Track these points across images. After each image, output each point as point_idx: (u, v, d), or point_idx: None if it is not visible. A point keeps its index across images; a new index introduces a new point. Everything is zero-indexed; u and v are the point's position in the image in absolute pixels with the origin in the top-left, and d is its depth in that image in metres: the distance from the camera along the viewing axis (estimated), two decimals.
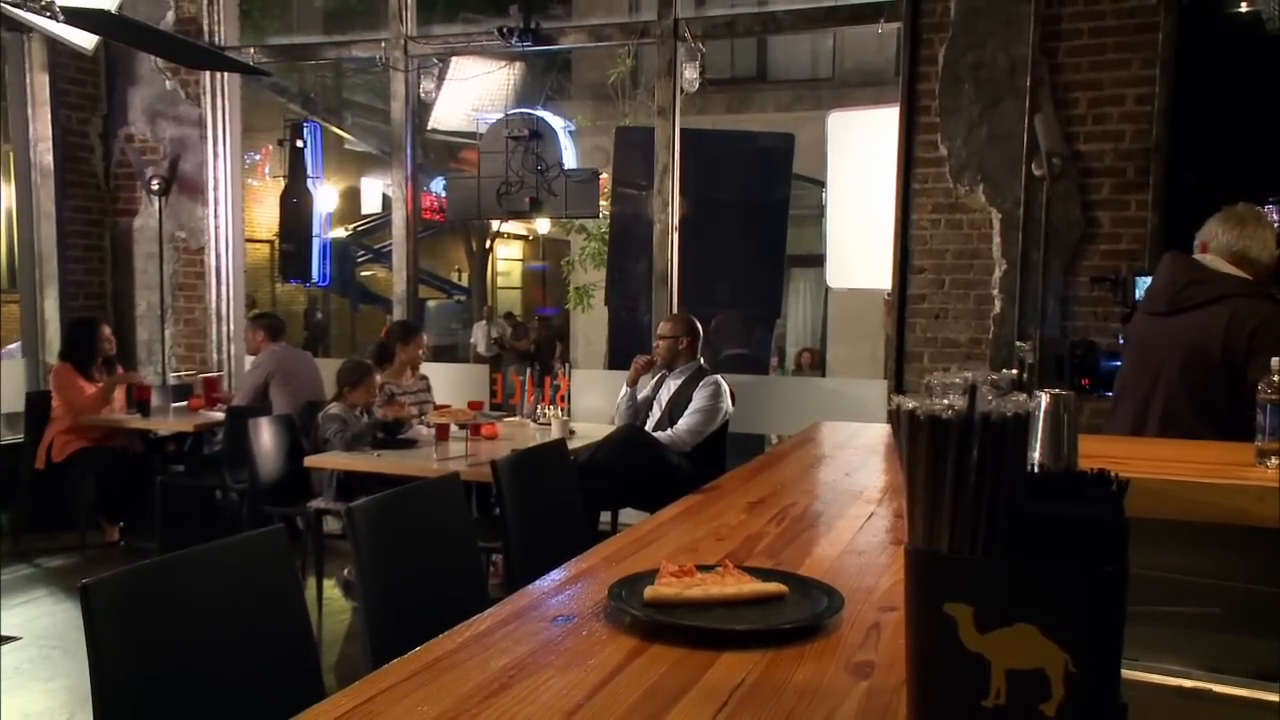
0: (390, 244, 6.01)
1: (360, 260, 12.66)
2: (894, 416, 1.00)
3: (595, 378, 5.78)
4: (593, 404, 5.52)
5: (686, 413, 4.58)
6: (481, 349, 12.11)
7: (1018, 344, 3.69)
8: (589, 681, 1.24)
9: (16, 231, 5.82)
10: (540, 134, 5.47)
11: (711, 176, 6.56)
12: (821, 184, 9.55)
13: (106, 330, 5.46)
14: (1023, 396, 0.97)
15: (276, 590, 1.76)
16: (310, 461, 4.46)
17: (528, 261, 16.57)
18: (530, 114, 5.56)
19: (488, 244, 14.78)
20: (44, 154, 5.66)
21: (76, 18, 3.88)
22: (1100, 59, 4.47)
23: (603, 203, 5.85)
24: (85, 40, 4.63)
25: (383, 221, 12.26)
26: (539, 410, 5.29)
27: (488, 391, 5.60)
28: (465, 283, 15.15)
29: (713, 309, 7.15)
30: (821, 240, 10.96)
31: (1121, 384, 2.80)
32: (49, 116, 5.61)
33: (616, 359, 8.56)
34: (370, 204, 12.16)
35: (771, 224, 7.35)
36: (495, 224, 13.45)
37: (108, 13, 4.09)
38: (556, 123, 5.56)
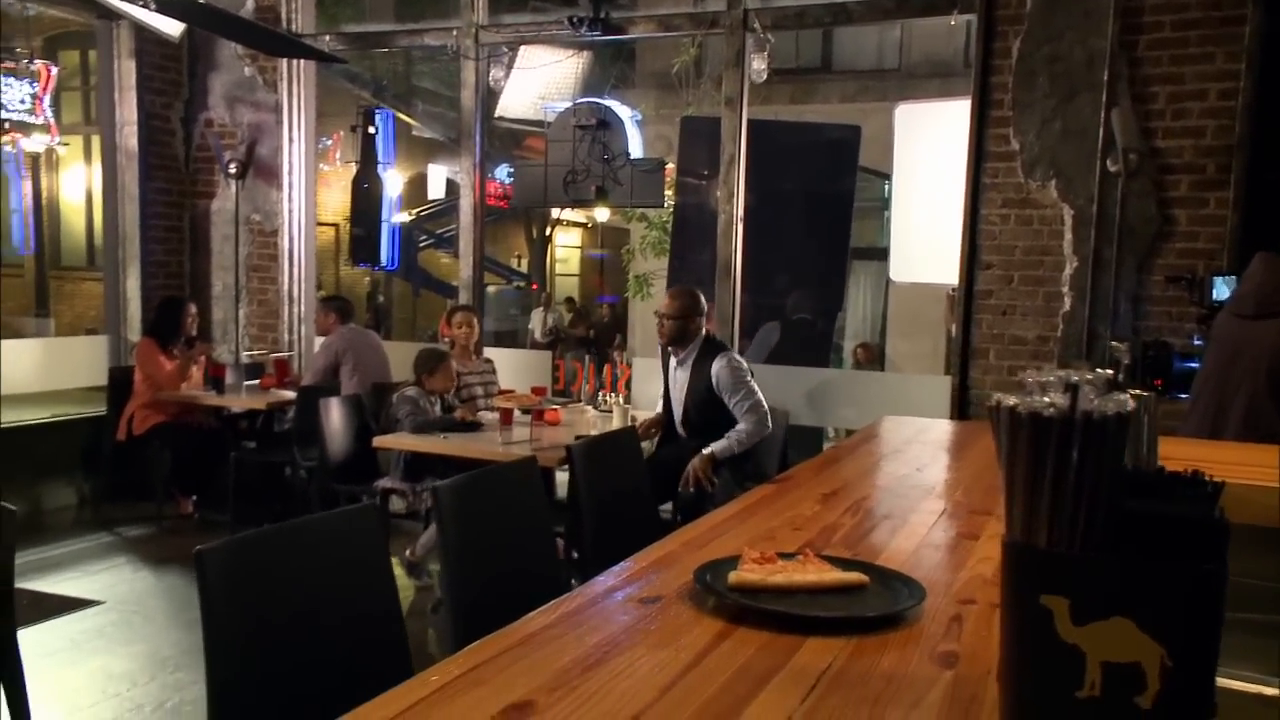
0: (453, 229, 6.10)
1: (422, 245, 12.83)
2: (994, 413, 1.03)
3: (655, 366, 5.80)
4: (653, 391, 5.56)
5: (739, 410, 4.29)
6: (538, 335, 12.24)
7: (1113, 344, 3.66)
8: (681, 660, 1.29)
9: (102, 212, 6.02)
10: (608, 123, 5.52)
11: (777, 167, 6.55)
12: (884, 176, 9.48)
13: (193, 309, 5.65)
14: (1125, 396, 0.99)
15: (368, 562, 1.83)
16: (379, 442, 4.57)
17: (586, 249, 16.64)
18: (598, 104, 5.61)
19: (548, 231, 14.89)
20: (129, 138, 5.85)
21: (168, 6, 4.02)
22: (1182, 52, 4.39)
23: (667, 192, 5.87)
24: (172, 28, 4.78)
25: (445, 207, 12.40)
26: (600, 397, 5.35)
27: (550, 378, 5.67)
28: (525, 269, 15.29)
29: (775, 300, 7.15)
30: (883, 233, 10.88)
31: (1201, 383, 2.77)
32: (134, 101, 5.78)
33: None
34: (436, 190, 12.31)
35: (835, 216, 7.33)
36: (555, 211, 13.55)
37: (196, 1, 4.22)
38: (624, 112, 5.60)
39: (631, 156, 5.51)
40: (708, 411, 4.35)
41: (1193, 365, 3.75)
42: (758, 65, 5.27)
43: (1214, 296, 3.95)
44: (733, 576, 1.54)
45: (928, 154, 6.26)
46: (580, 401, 5.41)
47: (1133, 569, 0.95)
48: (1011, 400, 1.01)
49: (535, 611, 1.46)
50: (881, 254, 10.22)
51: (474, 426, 4.53)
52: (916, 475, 2.57)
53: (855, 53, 10.96)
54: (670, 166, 5.93)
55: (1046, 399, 0.99)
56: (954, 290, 4.98)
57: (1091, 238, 4.56)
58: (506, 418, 4.44)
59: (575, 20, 5.38)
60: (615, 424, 4.73)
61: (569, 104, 5.73)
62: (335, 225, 11.11)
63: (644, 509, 2.80)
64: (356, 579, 1.79)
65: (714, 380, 4.32)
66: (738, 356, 4.48)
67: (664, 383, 4.65)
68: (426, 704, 1.14)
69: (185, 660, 3.74)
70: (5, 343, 7.09)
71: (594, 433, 4.36)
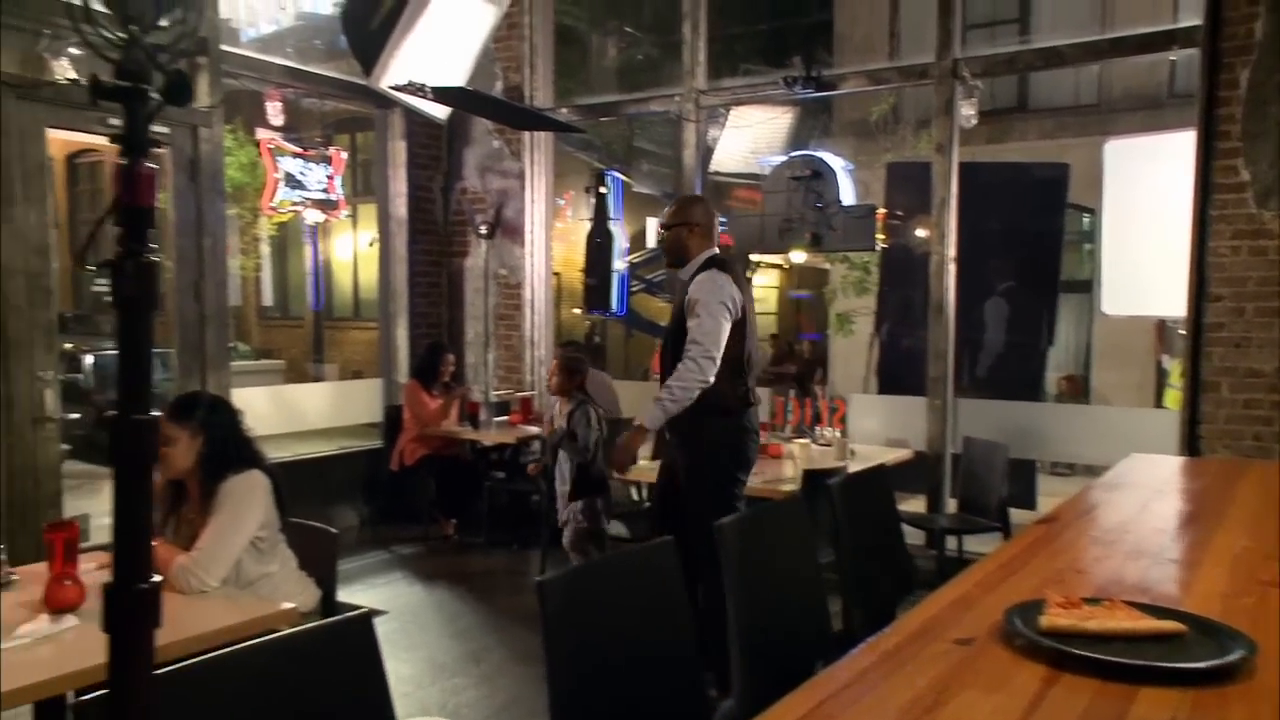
0: (661, 274, 6.21)
1: (634, 290, 13.14)
2: None
3: (871, 402, 5.71)
4: (867, 426, 5.47)
5: (691, 330, 3.03)
6: None
7: None
8: (1017, 705, 1.24)
9: (377, 270, 6.55)
10: (820, 173, 5.50)
11: (985, 207, 6.33)
12: (1086, 210, 8.94)
13: (450, 356, 6.03)
14: None
15: (669, 594, 1.88)
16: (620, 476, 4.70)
17: (784, 289, 16.57)
18: (812, 156, 5.60)
19: (747, 273, 14.95)
20: (399, 207, 6.35)
21: (443, 94, 4.36)
22: None
23: (878, 236, 5.77)
24: (440, 112, 5.18)
25: (653, 255, 12.68)
26: (816, 431, 5.29)
27: (769, 413, 5.66)
28: None
29: (986, 336, 6.88)
30: (1083, 265, 10.24)
31: None
32: (404, 176, 6.29)
33: (885, 383, 8.42)
34: (650, 240, 12.62)
35: (1044, 253, 6.98)
36: (754, 255, 13.57)
37: (465, 89, 4.56)
38: (837, 163, 5.57)
39: (844, 203, 5.46)
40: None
41: None
42: (967, 111, 5.12)
43: None
44: (1044, 621, 1.47)
45: (1141, 188, 5.89)
46: (790, 435, 5.37)
47: None
48: None
49: (857, 649, 1.45)
50: (1083, 286, 9.61)
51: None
52: (1188, 517, 2.38)
53: (1053, 89, 10.42)
54: (881, 211, 5.83)
55: None
56: (1170, 322, 4.62)
57: None
58: None
59: (789, 80, 5.41)
60: (834, 457, 4.69)
61: (781, 157, 5.75)
62: (558, 274, 11.57)
63: (895, 539, 2.74)
64: (662, 609, 1.85)
65: (687, 299, 3.10)
66: (728, 276, 3.15)
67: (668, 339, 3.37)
68: None
69: (459, 667, 3.94)
70: (299, 387, 7.82)
71: (809, 467, 4.32)
